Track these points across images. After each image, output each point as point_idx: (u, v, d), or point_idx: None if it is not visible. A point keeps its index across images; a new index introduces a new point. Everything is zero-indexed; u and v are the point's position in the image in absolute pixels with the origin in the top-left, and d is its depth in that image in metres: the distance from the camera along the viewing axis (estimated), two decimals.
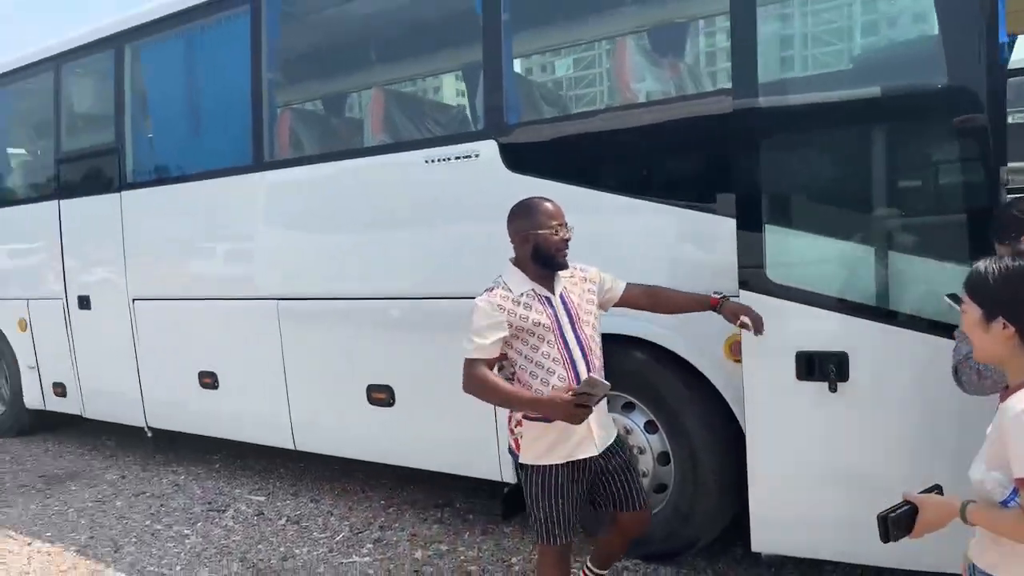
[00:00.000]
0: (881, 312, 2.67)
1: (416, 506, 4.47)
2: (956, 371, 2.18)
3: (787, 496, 2.91)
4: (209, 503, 4.76)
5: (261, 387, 4.71)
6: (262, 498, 4.80)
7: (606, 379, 2.42)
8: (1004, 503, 1.54)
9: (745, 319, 2.61)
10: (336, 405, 4.44)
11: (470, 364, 2.50)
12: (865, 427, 2.70)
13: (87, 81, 5.84)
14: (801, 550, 3.01)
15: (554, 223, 2.53)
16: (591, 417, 2.48)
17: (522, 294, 2.53)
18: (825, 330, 2.73)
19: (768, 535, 2.97)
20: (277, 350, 4.58)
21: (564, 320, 2.55)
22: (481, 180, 3.65)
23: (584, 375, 2.49)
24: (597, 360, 2.59)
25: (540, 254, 2.53)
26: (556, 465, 2.54)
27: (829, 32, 3.21)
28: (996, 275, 1.61)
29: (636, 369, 3.33)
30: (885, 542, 1.70)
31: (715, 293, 2.70)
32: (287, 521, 4.39)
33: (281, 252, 4.58)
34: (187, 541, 4.17)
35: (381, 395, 4.19)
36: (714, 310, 2.67)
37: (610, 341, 2.79)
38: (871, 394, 2.69)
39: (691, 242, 3.15)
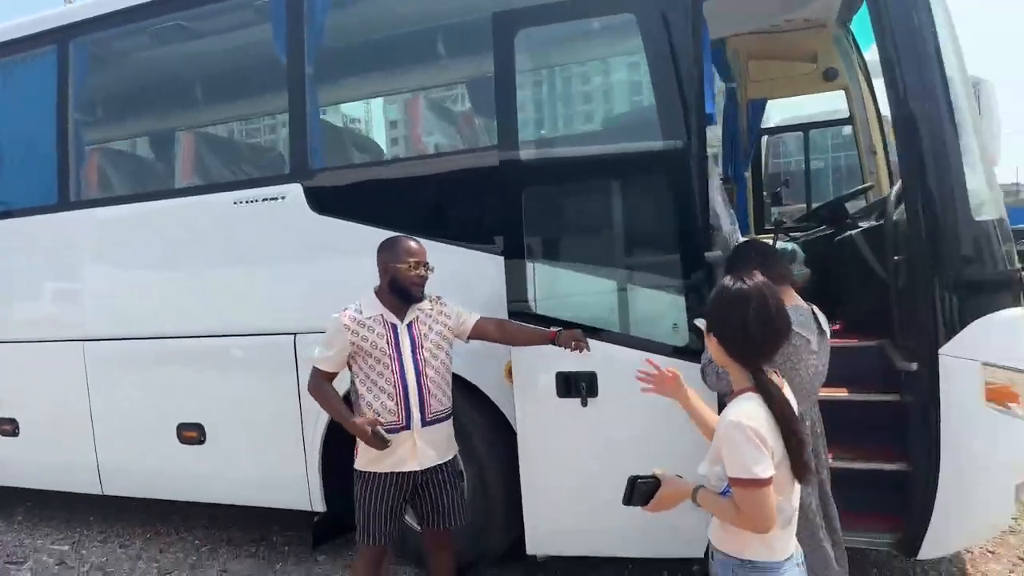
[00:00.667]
0: (622, 337, 3.13)
1: (232, 543, 4.49)
2: (703, 372, 2.64)
3: (556, 502, 3.28)
4: (7, 556, 4.51)
5: (65, 431, 4.56)
6: (66, 547, 4.61)
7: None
8: (722, 493, 1.90)
9: (579, 343, 2.95)
10: (146, 445, 4.39)
11: (313, 371, 2.88)
12: (612, 436, 3.12)
13: None
14: (572, 550, 3.39)
15: (412, 260, 2.85)
16: (418, 438, 2.83)
17: (370, 317, 2.83)
18: (578, 354, 3.14)
19: (542, 538, 3.32)
20: (83, 392, 4.47)
21: (405, 346, 2.85)
22: (287, 221, 3.84)
23: (415, 402, 2.82)
24: (433, 385, 2.88)
25: (396, 285, 2.86)
26: (380, 473, 2.85)
27: (579, 98, 3.72)
28: (712, 296, 2.02)
29: None
30: (626, 504, 1.99)
31: (553, 328, 3.03)
32: (91, 568, 4.27)
33: (89, 293, 4.51)
34: None
35: (192, 433, 4.21)
36: (553, 343, 3.00)
37: None
38: (616, 407, 3.12)
39: (477, 278, 3.46)
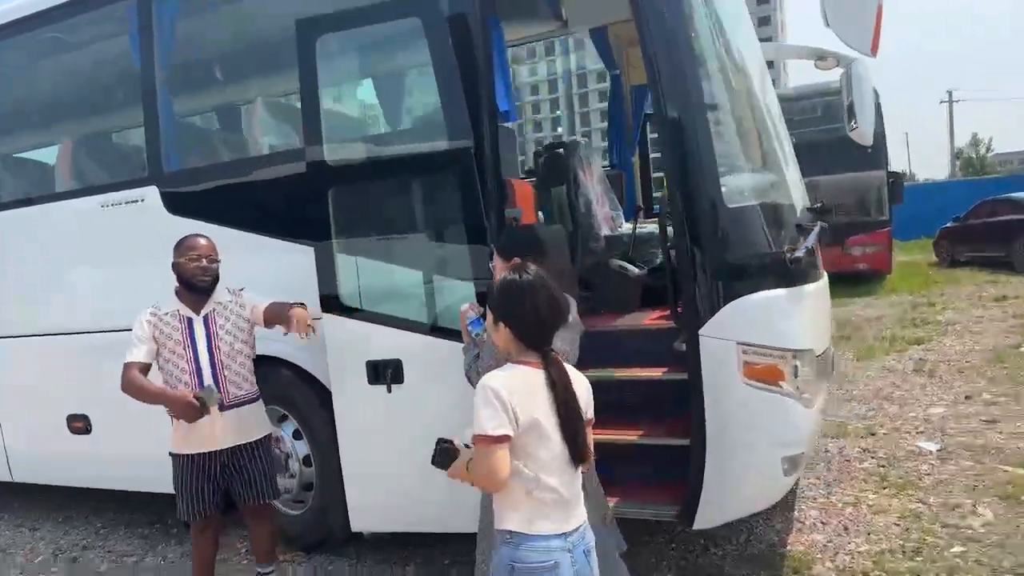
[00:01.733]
0: (423, 326, 3.31)
1: (131, 526, 4.76)
2: (468, 375, 2.77)
3: (373, 481, 3.49)
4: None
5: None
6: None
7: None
8: None
9: (304, 327, 3.14)
10: (43, 435, 4.68)
11: (124, 368, 3.08)
12: (416, 419, 3.31)
13: None
14: (392, 526, 3.60)
15: (193, 254, 3.07)
16: (217, 420, 3.05)
17: (167, 313, 3.09)
18: (384, 343, 3.33)
19: (363, 516, 3.54)
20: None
21: (200, 337, 3.08)
22: (146, 222, 4.06)
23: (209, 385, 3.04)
24: (229, 372, 3.10)
25: (182, 279, 3.12)
26: (187, 455, 3.12)
27: (379, 101, 3.87)
28: (496, 289, 2.12)
29: (282, 384, 3.84)
30: (433, 464, 2.03)
31: (293, 303, 3.21)
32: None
33: None
34: None
35: (79, 424, 4.49)
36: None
37: (264, 361, 3.32)
38: (420, 392, 3.31)
39: (299, 270, 3.59)
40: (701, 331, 2.94)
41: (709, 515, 3.06)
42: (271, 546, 3.41)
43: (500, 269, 2.74)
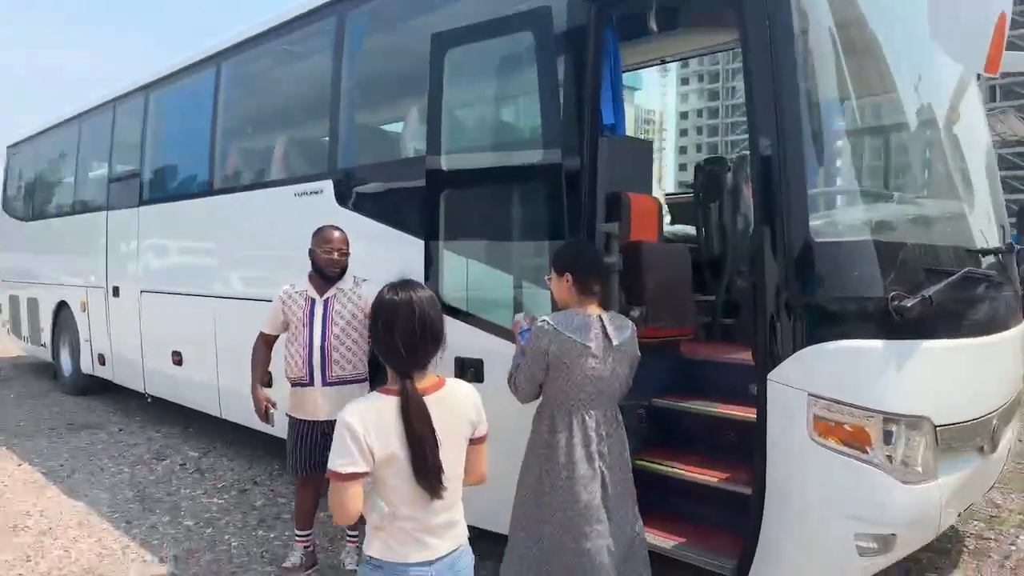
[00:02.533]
0: (504, 330, 3.41)
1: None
2: (509, 382, 2.89)
3: None
4: (156, 454, 6.08)
5: (207, 365, 5.95)
6: (196, 454, 6.05)
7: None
8: None
9: None
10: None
11: (258, 334, 3.72)
12: (498, 417, 3.41)
13: (131, 120, 7.50)
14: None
15: (327, 246, 3.58)
16: (320, 395, 3.52)
17: (298, 292, 3.62)
18: (471, 342, 3.49)
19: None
20: (211, 335, 5.82)
21: (317, 317, 3.57)
22: (322, 211, 4.66)
23: (317, 363, 3.50)
24: (337, 353, 3.54)
25: (315, 266, 3.63)
26: (296, 419, 3.64)
27: (497, 112, 3.93)
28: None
29: None
30: None
31: None
32: (195, 470, 5.60)
33: (214, 260, 5.87)
34: (119, 476, 5.48)
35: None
36: None
37: None
38: (494, 392, 3.40)
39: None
40: (770, 375, 2.67)
41: None
42: None
43: (554, 283, 2.77)
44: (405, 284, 1.98)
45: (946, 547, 3.99)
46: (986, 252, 3.30)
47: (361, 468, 1.81)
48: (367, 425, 1.83)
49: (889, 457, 2.63)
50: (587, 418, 2.65)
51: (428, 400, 1.89)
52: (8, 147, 10.80)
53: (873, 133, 3.05)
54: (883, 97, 3.05)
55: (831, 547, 2.67)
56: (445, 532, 1.94)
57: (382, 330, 1.93)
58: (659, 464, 3.23)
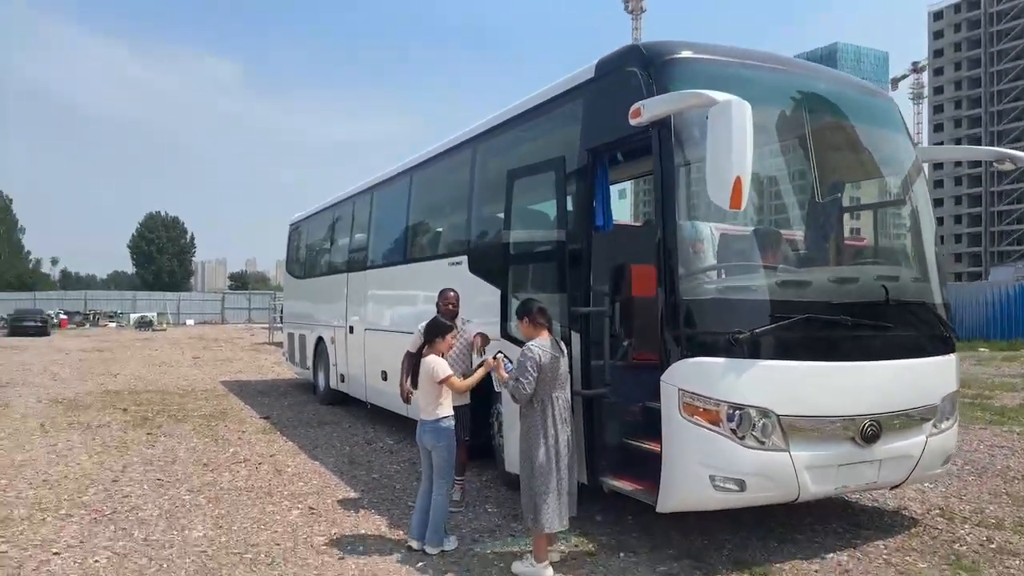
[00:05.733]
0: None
1: None
2: (514, 393, 4.95)
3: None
4: (368, 440, 8.87)
5: (396, 378, 8.64)
6: (392, 441, 8.74)
7: None
8: None
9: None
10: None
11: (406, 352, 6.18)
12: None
13: (360, 209, 10.73)
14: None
15: (443, 302, 5.99)
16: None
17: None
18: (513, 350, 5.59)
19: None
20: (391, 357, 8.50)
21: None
22: (463, 276, 7.09)
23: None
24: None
25: (439, 311, 6.01)
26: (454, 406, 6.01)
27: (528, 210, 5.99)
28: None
29: None
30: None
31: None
32: (388, 451, 8.24)
33: (388, 308, 8.61)
34: (343, 451, 8.29)
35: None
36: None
37: None
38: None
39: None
40: (662, 378, 4.48)
41: (666, 502, 4.50)
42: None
43: (520, 326, 4.81)
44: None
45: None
46: (860, 304, 4.74)
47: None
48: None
49: (733, 430, 4.30)
50: (558, 399, 4.63)
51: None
52: (290, 224, 14.99)
53: (743, 220, 4.70)
54: (757, 196, 4.70)
55: (696, 483, 4.37)
56: None
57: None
58: (629, 440, 5.07)
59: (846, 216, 5.61)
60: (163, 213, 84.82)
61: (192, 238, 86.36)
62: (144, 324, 43.38)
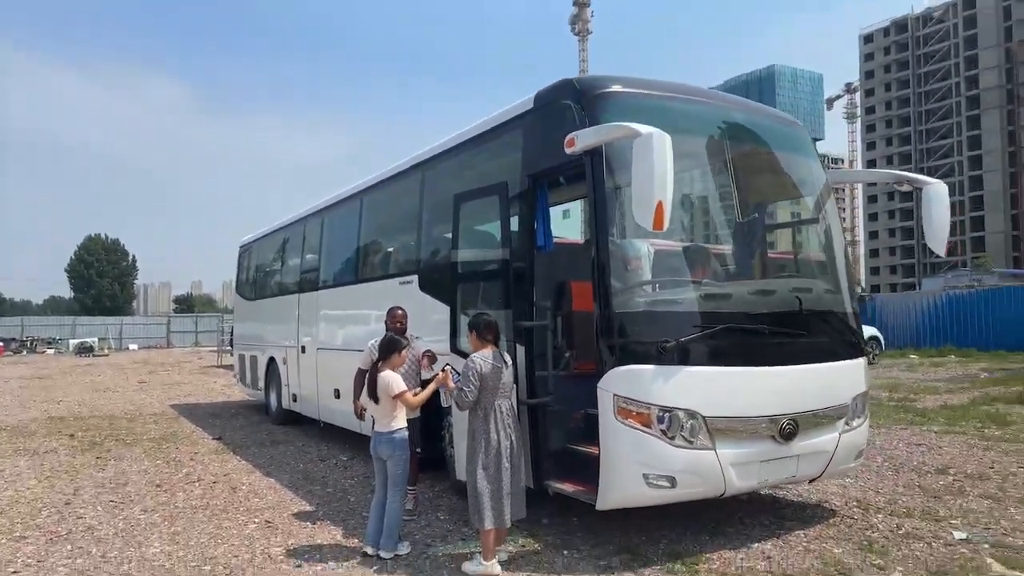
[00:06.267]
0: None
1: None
2: (458, 402, 5.25)
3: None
4: (321, 456, 9.03)
5: (349, 396, 8.85)
6: (345, 457, 8.92)
7: None
8: None
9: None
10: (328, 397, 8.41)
11: (357, 370, 6.41)
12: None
13: (311, 231, 10.93)
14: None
15: (391, 320, 6.25)
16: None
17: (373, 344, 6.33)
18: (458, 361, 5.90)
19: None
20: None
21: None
22: (412, 294, 7.37)
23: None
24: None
25: (388, 329, 6.27)
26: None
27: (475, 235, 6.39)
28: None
29: None
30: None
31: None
32: (342, 466, 8.42)
33: (360, 326, 8.83)
34: (297, 468, 8.44)
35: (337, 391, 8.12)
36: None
37: None
38: None
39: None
40: (598, 384, 4.85)
41: (602, 501, 4.86)
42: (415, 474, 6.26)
43: (469, 338, 5.12)
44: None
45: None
46: (777, 314, 5.21)
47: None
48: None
49: (663, 431, 4.69)
50: (501, 407, 4.96)
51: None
52: (240, 245, 15.01)
53: (670, 239, 5.16)
54: (684, 215, 5.16)
55: (632, 480, 4.74)
56: None
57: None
58: (571, 445, 5.43)
59: (768, 233, 6.14)
60: (103, 235, 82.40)
61: (134, 260, 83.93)
62: (85, 350, 42.06)
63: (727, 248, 5.73)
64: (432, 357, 6.16)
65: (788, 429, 5.07)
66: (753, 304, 5.30)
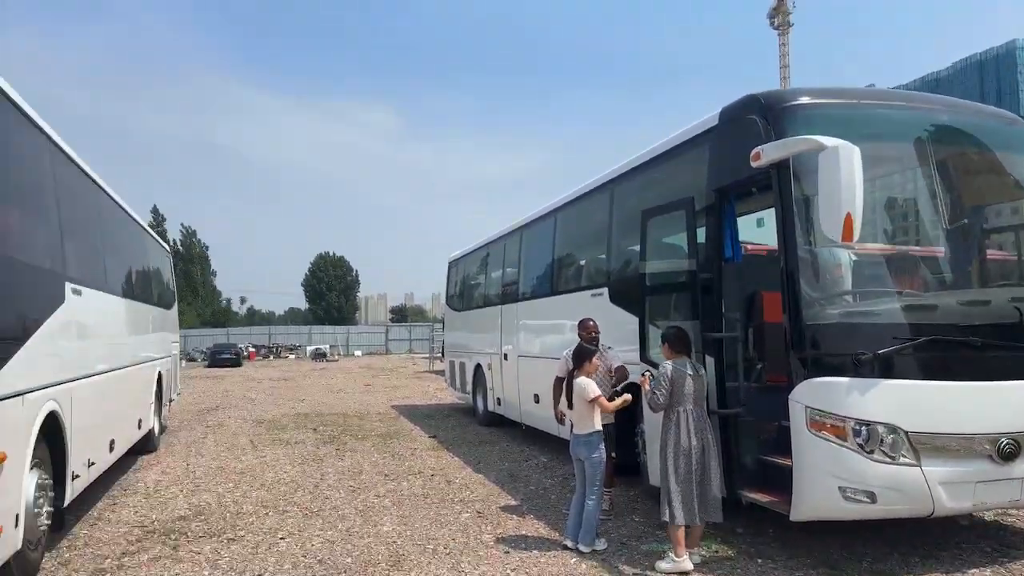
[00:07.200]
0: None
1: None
2: (652, 405, 5.55)
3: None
4: (526, 457, 9.69)
5: (548, 400, 9.43)
6: (545, 458, 9.50)
7: None
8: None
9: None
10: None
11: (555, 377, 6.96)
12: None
13: (511, 247, 11.73)
14: None
15: (584, 331, 6.72)
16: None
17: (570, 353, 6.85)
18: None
19: None
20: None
21: None
22: (604, 306, 7.77)
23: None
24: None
25: (581, 338, 6.76)
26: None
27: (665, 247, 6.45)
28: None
29: None
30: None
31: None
32: (543, 467, 9.00)
33: (537, 336, 9.38)
34: (502, 466, 9.16)
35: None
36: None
37: None
38: None
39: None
40: (789, 396, 4.89)
41: (799, 511, 4.88)
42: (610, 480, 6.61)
43: (663, 349, 5.39)
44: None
45: None
46: (991, 325, 4.90)
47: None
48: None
49: (860, 444, 4.63)
50: (692, 412, 5.17)
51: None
52: (449, 261, 16.37)
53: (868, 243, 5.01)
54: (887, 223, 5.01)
55: (827, 493, 4.71)
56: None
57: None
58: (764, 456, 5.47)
59: (986, 238, 5.72)
60: (331, 253, 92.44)
61: (357, 275, 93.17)
62: (319, 355, 47.56)
63: (933, 256, 5.45)
64: (624, 373, 6.46)
65: (1008, 449, 4.74)
66: (963, 315, 5.02)
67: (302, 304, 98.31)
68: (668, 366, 5.18)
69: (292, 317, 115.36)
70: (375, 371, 33.01)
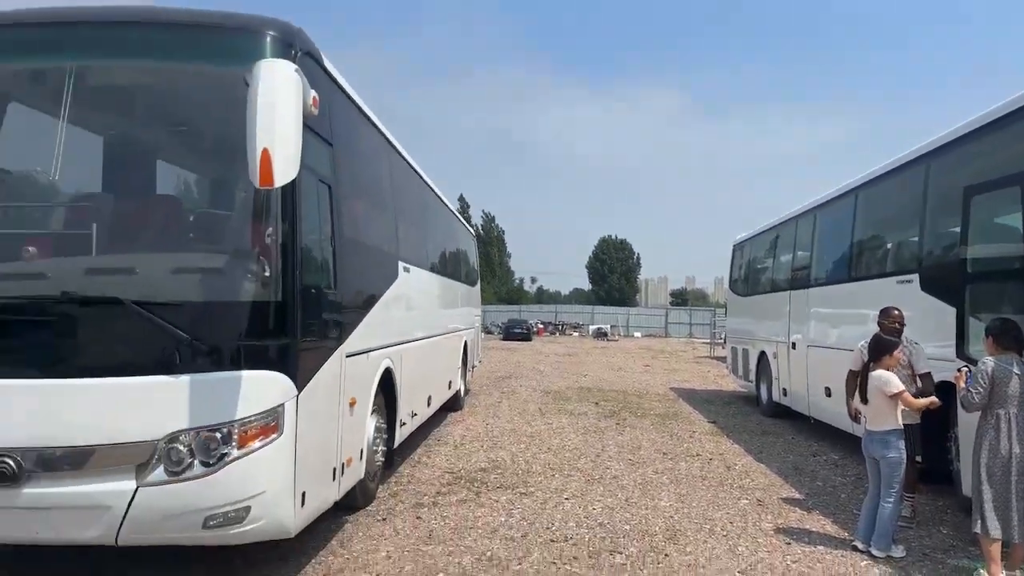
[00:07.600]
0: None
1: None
2: (964, 403, 4.94)
3: None
4: (813, 452, 9.15)
5: (840, 394, 8.77)
6: (836, 456, 8.87)
7: None
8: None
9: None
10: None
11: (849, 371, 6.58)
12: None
13: (803, 230, 11.01)
14: None
15: (888, 320, 6.23)
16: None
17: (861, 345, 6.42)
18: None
19: None
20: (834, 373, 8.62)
21: None
22: (912, 295, 7.02)
23: None
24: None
25: (882, 329, 6.28)
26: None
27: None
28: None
29: None
30: None
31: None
32: (833, 464, 8.43)
33: (831, 325, 8.68)
34: (787, 458, 8.77)
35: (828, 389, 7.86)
36: None
37: None
38: None
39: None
40: None
41: None
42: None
43: (985, 342, 4.76)
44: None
45: None
46: None
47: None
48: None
49: None
50: (1016, 415, 4.52)
51: None
52: (734, 244, 15.87)
53: None
54: None
55: None
56: None
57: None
58: None
59: None
60: (614, 236, 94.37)
61: (638, 258, 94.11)
62: (600, 334, 49.15)
63: None
64: (929, 387, 5.80)
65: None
66: None
67: (586, 285, 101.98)
68: (989, 362, 4.60)
69: (576, 297, 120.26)
70: (654, 352, 33.23)
